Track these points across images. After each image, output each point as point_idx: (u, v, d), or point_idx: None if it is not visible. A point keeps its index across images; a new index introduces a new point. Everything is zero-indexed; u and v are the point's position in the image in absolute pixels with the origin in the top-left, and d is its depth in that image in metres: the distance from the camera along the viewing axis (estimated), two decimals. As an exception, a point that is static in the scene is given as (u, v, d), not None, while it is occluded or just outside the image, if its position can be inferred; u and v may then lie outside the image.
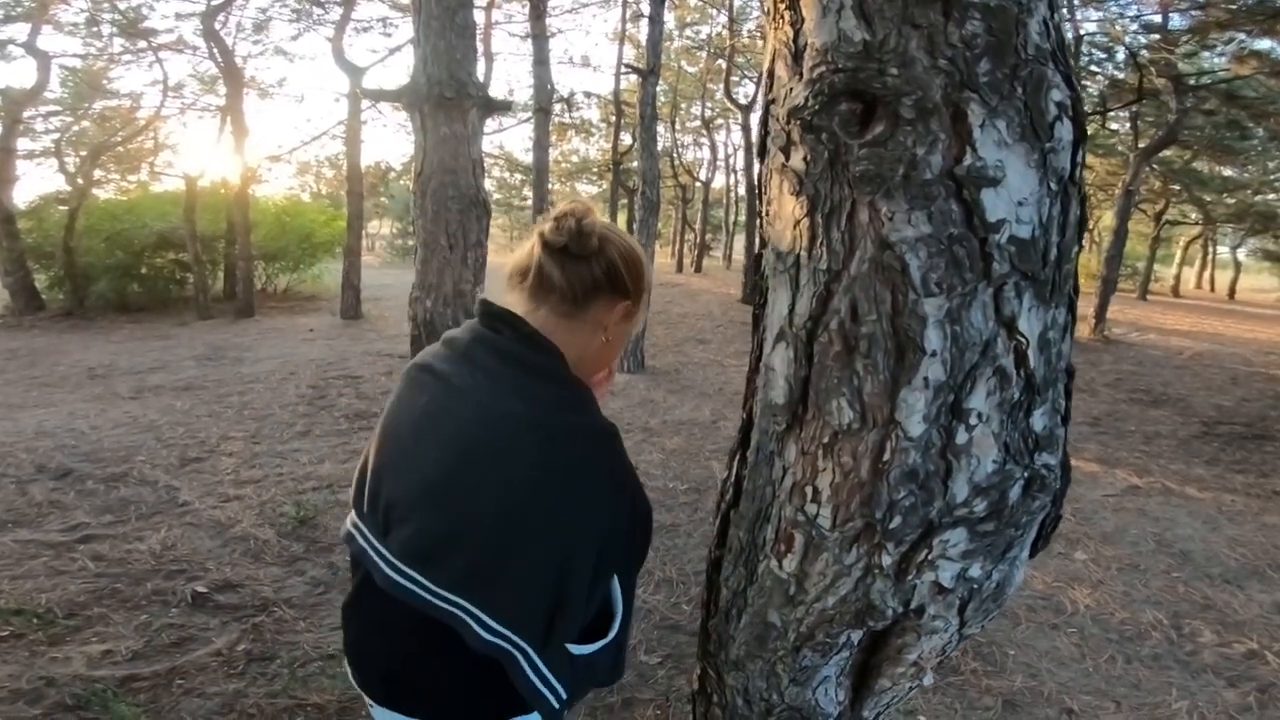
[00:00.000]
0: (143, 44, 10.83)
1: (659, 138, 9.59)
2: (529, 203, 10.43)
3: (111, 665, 1.87)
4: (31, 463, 3.51)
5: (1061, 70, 0.64)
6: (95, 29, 10.72)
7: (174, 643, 1.99)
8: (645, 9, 7.49)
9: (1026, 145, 0.61)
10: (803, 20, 0.68)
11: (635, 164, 11.22)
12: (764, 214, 0.80)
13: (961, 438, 0.68)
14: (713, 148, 19.78)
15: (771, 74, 0.75)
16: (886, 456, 0.69)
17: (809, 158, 0.67)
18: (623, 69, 11.11)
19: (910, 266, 0.63)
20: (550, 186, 11.76)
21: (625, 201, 13.56)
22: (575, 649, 0.75)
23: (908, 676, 0.87)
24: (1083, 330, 10.14)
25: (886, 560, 0.74)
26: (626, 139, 13.20)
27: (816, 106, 0.64)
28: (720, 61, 13.88)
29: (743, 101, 12.34)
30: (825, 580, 0.77)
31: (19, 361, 6.30)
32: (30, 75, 10.21)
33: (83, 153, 11.84)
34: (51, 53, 9.94)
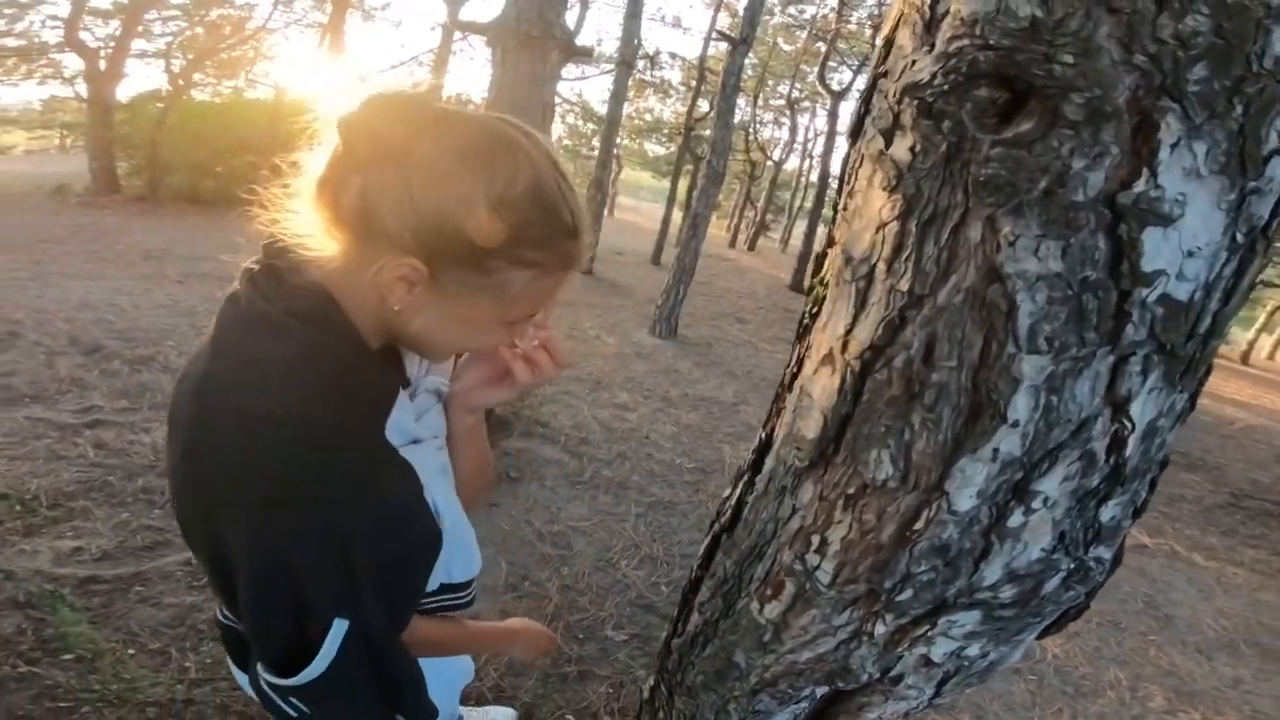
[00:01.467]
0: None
1: (738, 110, 9.23)
2: (595, 153, 10.33)
3: (76, 564, 1.86)
4: (67, 334, 3.57)
5: None
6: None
7: (145, 546, 1.97)
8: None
9: (1225, 181, 0.46)
10: (944, -20, 0.52)
11: (708, 131, 10.80)
12: (841, 205, 0.65)
13: (1015, 520, 0.56)
14: (793, 129, 19.11)
15: (890, 43, 0.60)
16: (918, 525, 0.57)
17: (918, 148, 0.52)
18: (714, 35, 10.65)
19: (1019, 310, 0.49)
20: (619, 141, 11.52)
21: (690, 168, 13.24)
22: (262, 672, 0.57)
23: (862, 732, 0.77)
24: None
25: (880, 630, 0.64)
26: (704, 106, 12.80)
27: (946, 86, 0.49)
28: (820, 44, 13.27)
29: (836, 88, 11.75)
30: (806, 636, 0.67)
31: (83, 236, 6.50)
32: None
33: (189, 56, 12.21)
34: (175, -43, 10.12)
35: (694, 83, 12.84)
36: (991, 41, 0.48)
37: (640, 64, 13.44)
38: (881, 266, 0.56)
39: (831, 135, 11.49)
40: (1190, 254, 0.47)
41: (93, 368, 3.17)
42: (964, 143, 0.50)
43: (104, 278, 4.90)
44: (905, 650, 0.65)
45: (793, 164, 21.81)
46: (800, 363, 0.70)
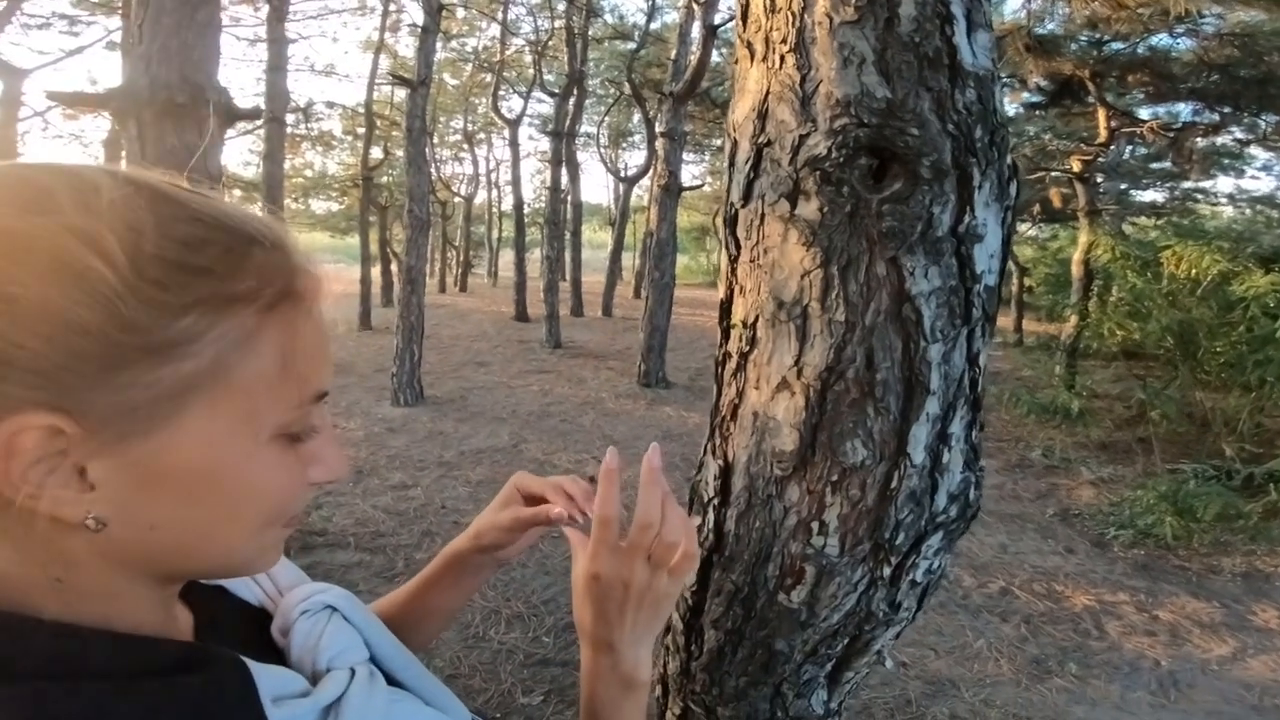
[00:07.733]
0: None
1: (417, 151, 9.02)
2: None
3: None
4: None
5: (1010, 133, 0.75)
6: None
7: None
8: (406, 19, 7.08)
9: (998, 205, 0.71)
10: (810, 66, 0.69)
11: (385, 179, 10.13)
12: (749, 259, 0.79)
13: (945, 458, 0.77)
14: (475, 162, 19.32)
15: (764, 114, 0.75)
16: (894, 484, 0.75)
17: (826, 209, 0.69)
18: (388, 80, 10.27)
19: (924, 317, 0.69)
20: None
21: (376, 219, 12.60)
22: None
23: (869, 664, 0.96)
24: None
25: (887, 571, 0.80)
26: (376, 152, 12.30)
27: (841, 159, 0.66)
28: (487, 75, 13.65)
29: (509, 116, 12.27)
30: (835, 601, 0.81)
31: None
32: None
33: None
34: None
35: (361, 130, 12.24)
36: (865, 120, 0.66)
37: (291, 118, 12.27)
38: (814, 305, 0.72)
39: (516, 162, 11.92)
40: (992, 256, 0.71)
41: None
42: (860, 203, 0.67)
43: None
44: (902, 580, 0.81)
45: (481, 197, 22.02)
46: (741, 394, 0.83)
